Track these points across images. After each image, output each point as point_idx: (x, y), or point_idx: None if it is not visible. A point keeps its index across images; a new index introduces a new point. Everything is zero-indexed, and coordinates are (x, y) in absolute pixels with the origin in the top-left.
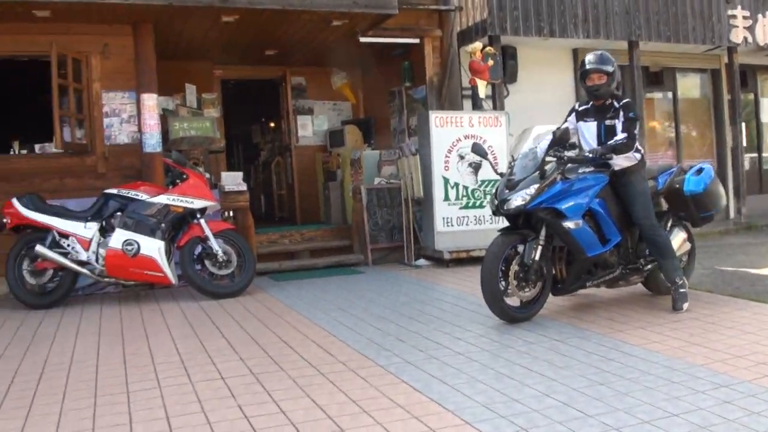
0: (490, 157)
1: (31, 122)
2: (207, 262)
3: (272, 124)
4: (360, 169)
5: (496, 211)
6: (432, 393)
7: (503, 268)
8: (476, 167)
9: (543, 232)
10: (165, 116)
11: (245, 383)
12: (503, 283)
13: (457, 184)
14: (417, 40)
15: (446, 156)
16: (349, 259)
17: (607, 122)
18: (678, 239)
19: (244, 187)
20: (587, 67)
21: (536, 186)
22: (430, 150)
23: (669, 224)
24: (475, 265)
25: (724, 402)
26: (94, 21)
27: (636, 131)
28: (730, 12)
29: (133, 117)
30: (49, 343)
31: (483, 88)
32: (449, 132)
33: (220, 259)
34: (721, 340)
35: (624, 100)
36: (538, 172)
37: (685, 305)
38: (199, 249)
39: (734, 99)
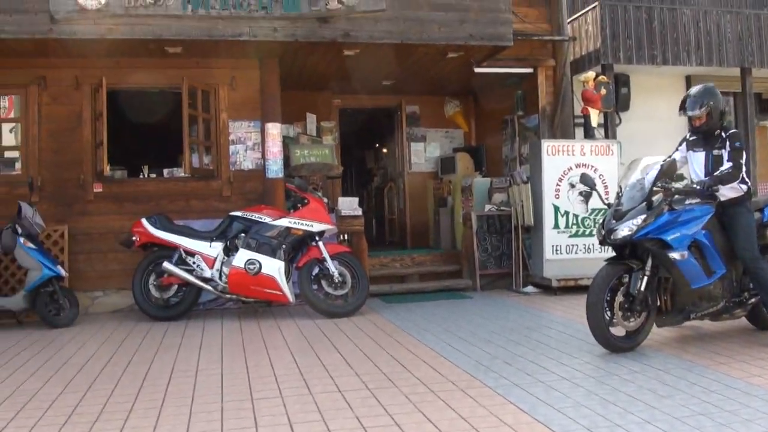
0: (599, 187)
1: (160, 148)
2: (323, 282)
3: (385, 150)
4: (471, 196)
5: (603, 241)
6: (538, 415)
7: (608, 297)
8: (587, 195)
9: (649, 263)
10: (286, 143)
11: (361, 397)
12: (608, 312)
13: (567, 213)
14: (531, 70)
15: (557, 184)
16: (457, 284)
17: (715, 152)
18: None
19: (359, 212)
20: (688, 113)
21: (643, 216)
22: (542, 178)
23: None
24: (583, 293)
25: None
26: (222, 56)
27: (742, 161)
28: None
29: (258, 144)
30: (175, 352)
31: (595, 117)
32: (560, 160)
33: (336, 280)
34: None
35: (731, 131)
36: (645, 203)
37: None
38: (316, 270)
39: None
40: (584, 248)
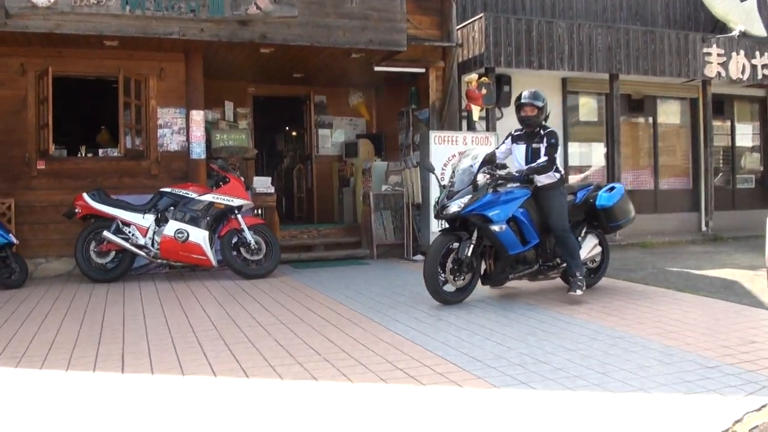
0: (437, 172)
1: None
2: (242, 249)
3: (295, 134)
4: (370, 178)
5: (437, 215)
6: (408, 335)
7: (442, 261)
8: None
9: (474, 234)
10: (207, 128)
11: (278, 329)
12: (442, 273)
13: None
14: (423, 70)
15: (443, 169)
16: (357, 253)
17: (534, 146)
18: (590, 243)
19: (272, 189)
20: (522, 101)
21: (469, 196)
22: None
23: (583, 231)
24: None
25: (610, 345)
26: (153, 49)
27: (556, 155)
28: (705, 50)
29: (183, 129)
30: (121, 305)
31: (477, 112)
32: (446, 149)
33: (253, 247)
34: (633, 313)
35: (549, 129)
36: (471, 185)
37: (579, 291)
38: (235, 239)
39: (706, 125)
40: None
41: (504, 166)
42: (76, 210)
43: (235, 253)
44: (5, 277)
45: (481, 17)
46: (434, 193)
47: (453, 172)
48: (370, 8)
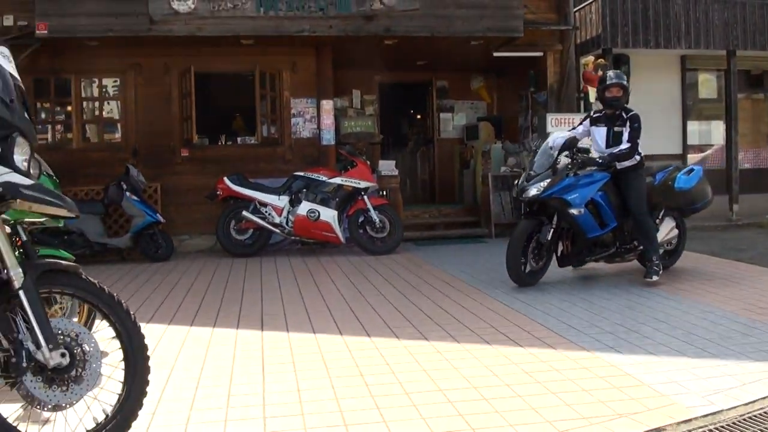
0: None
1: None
2: (368, 228)
3: (419, 117)
4: (489, 160)
5: (517, 197)
6: (513, 305)
7: (524, 244)
8: None
9: (555, 218)
10: (336, 116)
11: (396, 299)
12: (522, 256)
13: None
14: (541, 53)
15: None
16: (476, 231)
17: (616, 129)
18: (667, 226)
19: (396, 172)
20: (608, 82)
21: (548, 180)
22: None
23: (661, 214)
24: None
25: (700, 318)
26: (285, 45)
27: (639, 140)
28: None
29: (314, 117)
30: (258, 276)
31: (593, 94)
32: (562, 130)
33: (378, 226)
34: (731, 291)
35: (632, 113)
36: (550, 169)
37: (655, 278)
38: (362, 218)
39: None
40: None
41: (587, 150)
42: (218, 192)
43: (361, 231)
44: (153, 251)
45: None
46: None
47: (534, 155)
48: None
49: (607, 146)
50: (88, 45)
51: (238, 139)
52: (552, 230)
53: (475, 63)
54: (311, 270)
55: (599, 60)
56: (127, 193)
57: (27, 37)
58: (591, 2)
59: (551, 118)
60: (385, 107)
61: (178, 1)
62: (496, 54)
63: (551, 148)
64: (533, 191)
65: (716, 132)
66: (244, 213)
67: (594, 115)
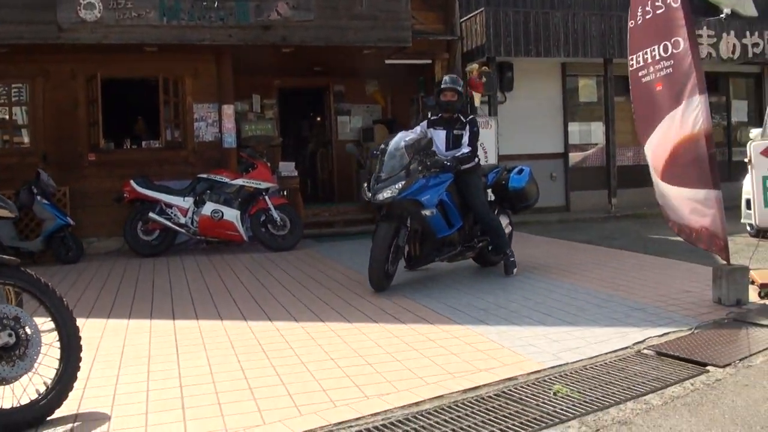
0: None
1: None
2: (269, 226)
3: (319, 119)
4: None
5: (369, 201)
6: (404, 291)
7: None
8: None
9: (409, 221)
10: (237, 119)
11: (297, 288)
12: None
13: None
14: (430, 61)
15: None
16: (372, 228)
17: (455, 132)
18: (503, 222)
19: (295, 173)
20: (443, 86)
21: (403, 182)
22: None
23: (496, 211)
24: None
25: (563, 296)
26: (188, 53)
27: (477, 143)
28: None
29: (216, 122)
30: (167, 273)
31: (478, 99)
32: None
33: (279, 224)
34: (595, 272)
35: (470, 117)
36: (404, 170)
37: (515, 270)
38: (263, 217)
39: None
40: None
41: (433, 153)
42: (125, 195)
43: (263, 229)
44: (64, 253)
45: (481, 11)
46: None
47: (377, 158)
48: (377, 10)
49: (447, 149)
50: None
51: (143, 143)
52: (407, 232)
53: (369, 69)
54: (216, 266)
55: (483, 68)
56: (38, 197)
57: None
58: (476, 14)
59: None
60: (284, 111)
61: (85, 10)
62: (387, 61)
63: (403, 149)
64: (387, 193)
65: (597, 132)
66: (151, 214)
67: (432, 118)
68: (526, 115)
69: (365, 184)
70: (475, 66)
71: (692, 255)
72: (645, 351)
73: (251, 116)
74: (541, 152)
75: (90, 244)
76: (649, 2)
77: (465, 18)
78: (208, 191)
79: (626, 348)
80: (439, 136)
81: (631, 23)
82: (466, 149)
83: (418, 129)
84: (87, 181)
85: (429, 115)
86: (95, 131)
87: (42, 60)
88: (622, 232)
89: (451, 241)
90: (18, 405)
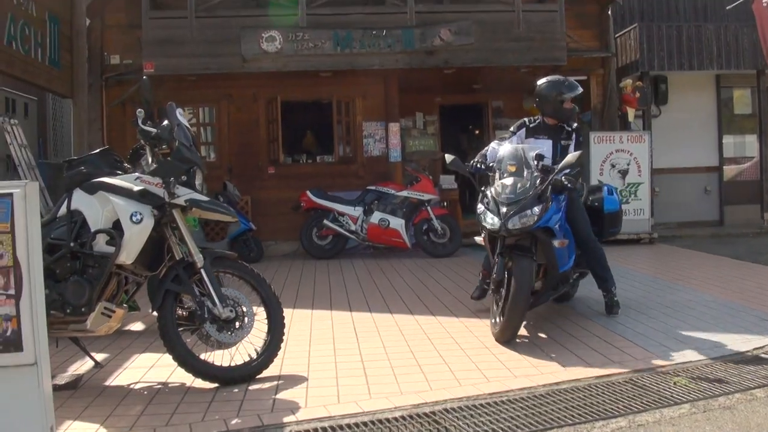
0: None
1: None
2: (430, 234)
3: (477, 133)
4: None
5: (497, 232)
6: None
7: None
8: (624, 173)
9: (536, 251)
10: (402, 135)
11: (452, 287)
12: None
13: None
14: (585, 77)
15: (601, 165)
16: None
17: (563, 143)
18: None
19: (455, 185)
20: (567, 94)
21: (539, 206)
22: (590, 160)
23: None
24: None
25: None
26: (358, 76)
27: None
28: None
29: (383, 138)
30: (340, 273)
31: (632, 114)
32: (604, 147)
33: (439, 233)
34: (732, 282)
35: (576, 125)
36: (534, 191)
37: (618, 311)
38: (425, 226)
39: None
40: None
41: (549, 169)
42: (301, 204)
43: (425, 237)
44: (246, 254)
45: (635, 27)
46: None
47: (485, 173)
48: (534, 31)
49: (554, 162)
50: (187, 79)
51: (317, 157)
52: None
53: (526, 86)
54: (383, 269)
55: (637, 83)
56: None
57: (132, 74)
58: (630, 30)
59: (594, 136)
60: (445, 127)
61: (267, 42)
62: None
63: (533, 165)
64: (523, 220)
65: (752, 145)
66: (326, 222)
67: (531, 125)
68: (681, 128)
69: (481, 207)
70: (629, 81)
71: None
72: (762, 355)
73: (415, 132)
74: (695, 165)
75: (269, 246)
76: None
77: (619, 34)
78: (376, 201)
79: (746, 351)
80: (545, 147)
81: None
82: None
83: (514, 138)
84: (267, 192)
85: (526, 121)
86: (275, 147)
87: (225, 85)
88: None
89: (567, 277)
90: (234, 365)
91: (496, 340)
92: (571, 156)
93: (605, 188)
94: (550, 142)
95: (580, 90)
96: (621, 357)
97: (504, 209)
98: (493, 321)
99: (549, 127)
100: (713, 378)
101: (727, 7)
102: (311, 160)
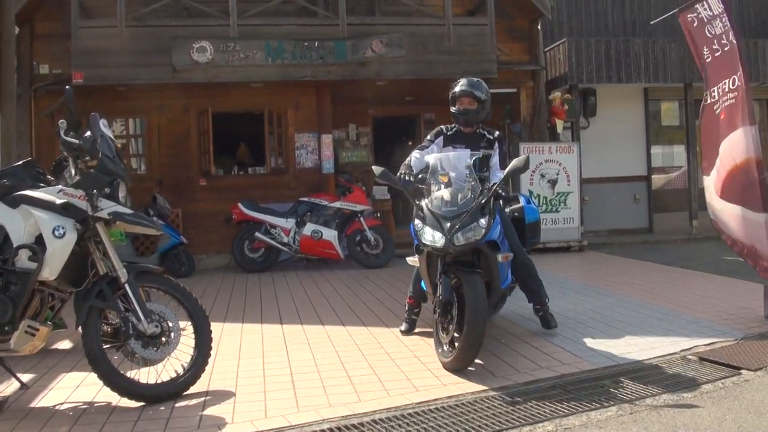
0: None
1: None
2: (363, 245)
3: (410, 144)
4: None
5: (442, 249)
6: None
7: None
8: (553, 182)
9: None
10: (334, 147)
11: (381, 296)
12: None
13: (538, 195)
14: (515, 90)
15: (531, 175)
16: None
17: (483, 152)
18: None
19: (388, 196)
20: (458, 89)
21: (485, 219)
22: None
23: None
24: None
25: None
26: (290, 87)
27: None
28: None
29: (315, 149)
30: (272, 286)
31: (560, 125)
32: (534, 157)
33: (372, 244)
34: (659, 289)
35: (498, 132)
36: (475, 203)
37: (555, 324)
38: (358, 237)
39: None
40: (551, 221)
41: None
42: (233, 216)
43: (358, 248)
44: (177, 268)
45: (564, 41)
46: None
47: (413, 186)
48: (465, 44)
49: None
50: (117, 89)
51: (249, 169)
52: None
53: None
54: (316, 281)
55: (566, 95)
56: (154, 218)
57: (62, 84)
58: (559, 44)
59: (523, 146)
60: (378, 138)
61: (198, 53)
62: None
63: (473, 174)
64: (469, 235)
65: (680, 155)
66: (257, 234)
67: (449, 133)
68: (610, 139)
69: (418, 223)
70: (557, 94)
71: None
72: (689, 356)
73: (348, 144)
74: (624, 175)
75: (201, 260)
76: (715, 41)
77: (549, 48)
78: (309, 213)
79: (674, 354)
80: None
81: (708, 59)
82: (500, 173)
83: (433, 147)
84: (198, 204)
85: (443, 129)
86: (206, 159)
87: (156, 96)
88: (699, 254)
89: (504, 294)
90: (160, 381)
91: (450, 369)
92: (517, 161)
93: (522, 198)
94: (468, 151)
95: (477, 90)
96: (549, 362)
97: (448, 224)
98: (441, 350)
99: (466, 135)
100: (641, 380)
101: (651, 22)
102: (243, 172)
